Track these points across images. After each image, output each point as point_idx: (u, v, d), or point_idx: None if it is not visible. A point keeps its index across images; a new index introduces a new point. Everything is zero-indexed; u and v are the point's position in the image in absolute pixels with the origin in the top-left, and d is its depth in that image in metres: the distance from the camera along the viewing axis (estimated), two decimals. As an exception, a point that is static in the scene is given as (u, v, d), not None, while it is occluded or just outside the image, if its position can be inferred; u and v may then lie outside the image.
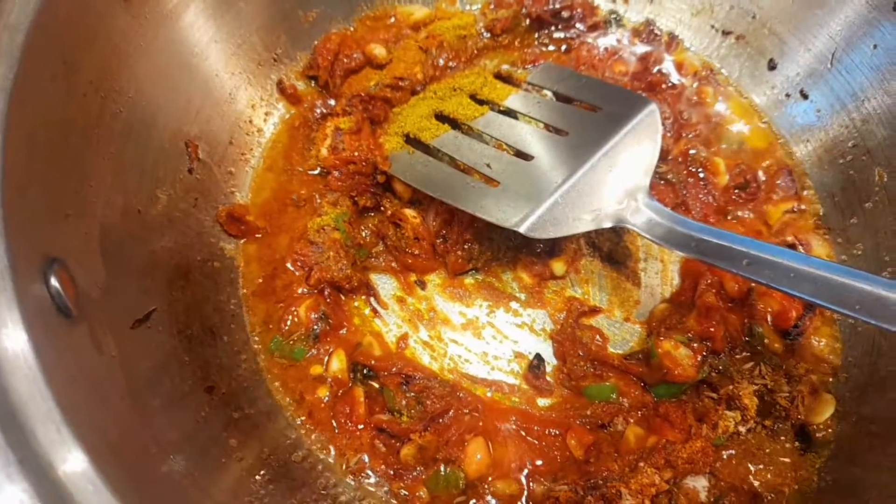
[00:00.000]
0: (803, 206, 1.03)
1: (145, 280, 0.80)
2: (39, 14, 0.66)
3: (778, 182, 1.04)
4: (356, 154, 0.98)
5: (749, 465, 0.85)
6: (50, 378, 0.54)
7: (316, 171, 1.03)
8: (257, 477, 0.77)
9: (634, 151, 0.91)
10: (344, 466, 0.85)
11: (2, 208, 0.58)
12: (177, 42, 0.88)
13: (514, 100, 1.02)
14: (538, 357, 0.93)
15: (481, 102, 1.03)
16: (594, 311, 0.97)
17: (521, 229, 0.85)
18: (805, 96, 1.07)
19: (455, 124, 1.01)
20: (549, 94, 1.05)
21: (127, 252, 0.78)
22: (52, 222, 0.66)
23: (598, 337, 0.94)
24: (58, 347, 0.58)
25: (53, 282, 0.61)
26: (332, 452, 0.85)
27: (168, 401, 0.74)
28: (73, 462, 0.51)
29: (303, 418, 0.87)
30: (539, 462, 0.86)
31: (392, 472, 0.85)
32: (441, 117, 1.02)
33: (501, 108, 1.02)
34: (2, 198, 0.58)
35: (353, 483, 0.84)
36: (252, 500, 0.73)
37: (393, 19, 1.13)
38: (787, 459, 0.85)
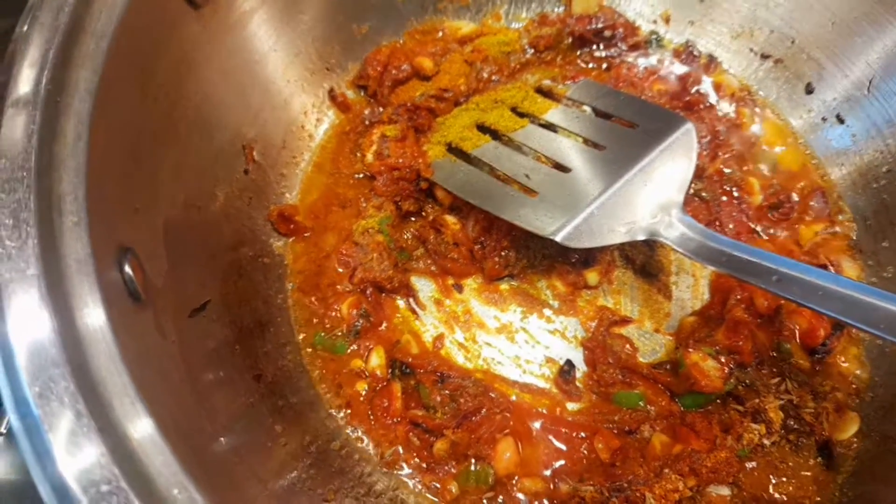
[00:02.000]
0: (836, 228, 1.05)
1: (202, 273, 0.85)
2: (122, 22, 0.72)
3: (811, 203, 1.06)
4: (401, 161, 1.02)
5: (772, 478, 0.87)
6: (124, 354, 0.59)
7: (361, 176, 1.08)
8: (299, 462, 0.81)
9: (670, 168, 0.94)
10: (379, 457, 0.89)
11: (85, 201, 0.63)
12: (240, 50, 0.94)
13: (553, 114, 1.06)
14: (569, 363, 0.96)
15: (522, 115, 1.07)
16: (625, 321, 1.00)
17: (558, 238, 0.88)
18: (841, 121, 1.09)
19: (496, 135, 1.05)
20: (588, 109, 1.08)
21: (187, 246, 0.83)
22: (124, 215, 0.72)
23: (627, 346, 0.97)
24: (129, 328, 0.63)
25: (127, 269, 0.67)
26: (369, 443, 0.90)
27: (220, 385, 0.79)
28: (144, 431, 0.56)
29: (342, 410, 0.92)
30: (566, 463, 0.89)
31: (425, 466, 0.89)
32: (483, 128, 1.06)
33: (541, 122, 1.06)
34: (85, 191, 0.63)
35: (387, 474, 0.88)
36: (294, 483, 0.78)
37: (441, 34, 1.18)
38: (809, 474, 0.87)
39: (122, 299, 0.65)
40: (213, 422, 0.73)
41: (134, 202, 0.74)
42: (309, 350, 0.95)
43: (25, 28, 0.68)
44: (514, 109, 1.08)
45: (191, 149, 0.86)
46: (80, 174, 0.64)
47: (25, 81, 0.65)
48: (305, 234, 1.02)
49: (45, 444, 0.52)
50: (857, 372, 0.95)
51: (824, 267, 1.01)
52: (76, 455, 0.52)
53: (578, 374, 0.96)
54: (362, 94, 1.15)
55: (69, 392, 0.54)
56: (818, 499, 0.86)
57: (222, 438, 0.72)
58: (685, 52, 1.18)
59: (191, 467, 0.58)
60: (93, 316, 0.59)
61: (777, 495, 0.86)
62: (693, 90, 1.15)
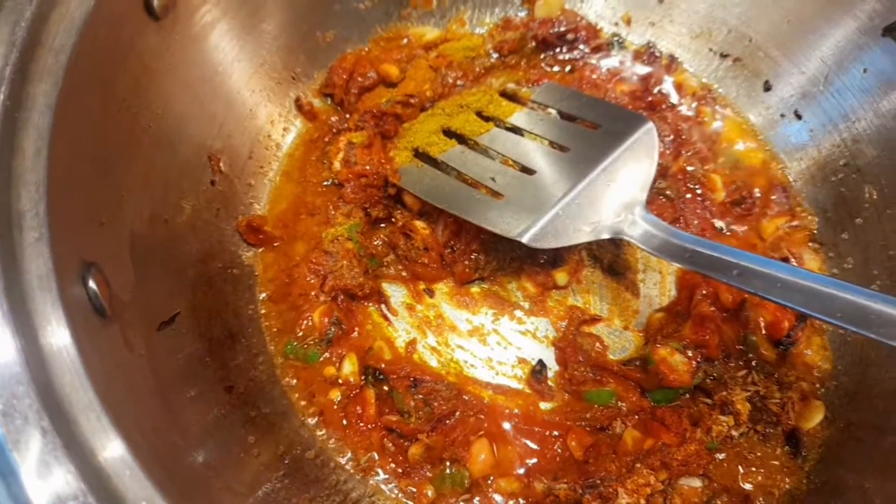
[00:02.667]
0: (796, 222, 1.07)
1: (171, 285, 0.85)
2: (81, 36, 0.71)
3: (772, 198, 1.09)
4: (367, 167, 1.03)
5: (741, 468, 0.89)
6: (90, 372, 0.58)
7: (329, 183, 1.08)
8: (273, 473, 0.81)
9: (632, 167, 0.96)
10: (355, 465, 0.89)
11: (46, 216, 0.62)
12: (202, 61, 0.94)
13: (518, 117, 1.07)
14: (541, 363, 0.97)
15: (487, 119, 1.08)
16: (595, 319, 1.01)
17: (524, 239, 0.90)
18: (799, 116, 1.11)
19: (462, 140, 1.06)
20: (553, 111, 1.09)
21: (154, 258, 0.83)
22: (89, 229, 0.71)
23: (598, 344, 0.98)
24: (95, 344, 0.63)
25: (91, 284, 0.66)
26: (344, 451, 0.90)
27: (191, 398, 0.78)
28: (112, 449, 0.55)
29: (316, 418, 0.92)
30: (540, 462, 0.90)
31: (401, 471, 0.89)
32: (449, 133, 1.07)
33: (506, 125, 1.07)
34: (46, 206, 0.63)
35: (363, 480, 0.88)
36: (269, 493, 0.78)
37: (406, 40, 1.18)
38: (777, 462, 0.89)
39: (87, 315, 0.65)
40: (184, 435, 0.72)
41: (99, 216, 0.74)
42: (281, 360, 0.95)
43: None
44: (479, 114, 1.09)
45: (155, 161, 0.86)
46: (41, 189, 0.63)
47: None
48: (275, 244, 1.02)
49: (11, 463, 0.52)
50: (821, 362, 0.97)
51: (786, 260, 1.03)
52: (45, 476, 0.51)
53: (550, 374, 0.97)
54: (329, 102, 1.15)
55: (34, 410, 0.54)
56: (786, 486, 0.88)
57: (194, 452, 0.72)
58: (646, 53, 1.20)
59: (162, 483, 0.58)
60: (56, 334, 0.59)
61: (747, 485, 0.88)
62: (655, 90, 1.17)
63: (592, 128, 1.02)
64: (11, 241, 0.60)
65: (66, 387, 0.57)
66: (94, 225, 0.73)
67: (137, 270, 0.78)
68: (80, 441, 0.55)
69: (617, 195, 0.94)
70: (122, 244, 0.77)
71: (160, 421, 0.69)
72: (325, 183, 1.08)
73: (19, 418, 0.53)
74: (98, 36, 0.74)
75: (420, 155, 1.05)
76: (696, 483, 0.87)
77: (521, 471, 0.90)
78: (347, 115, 1.13)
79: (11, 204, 0.61)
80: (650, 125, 0.98)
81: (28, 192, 0.62)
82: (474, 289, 1.03)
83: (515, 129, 1.06)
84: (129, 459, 0.56)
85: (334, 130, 1.11)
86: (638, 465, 0.86)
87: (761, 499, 0.87)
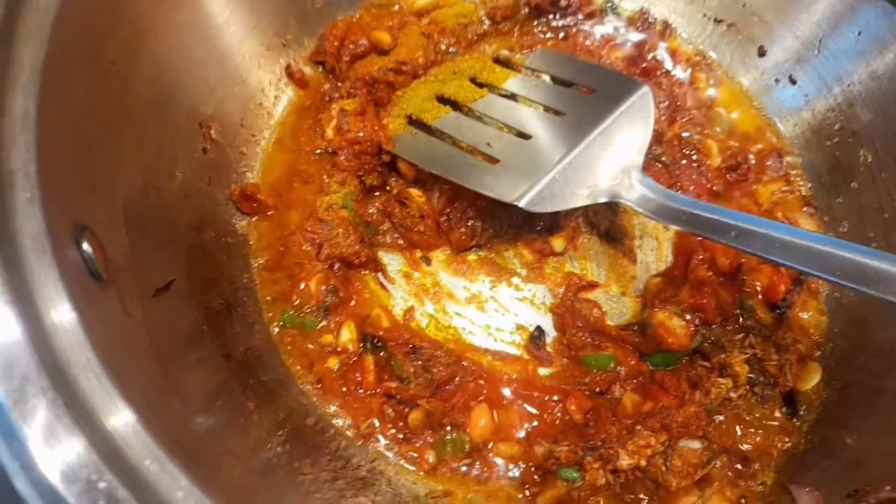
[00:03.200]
0: (791, 187, 1.08)
1: (165, 252, 0.83)
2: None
3: (767, 163, 1.09)
4: (361, 134, 1.01)
5: (739, 429, 0.90)
6: (90, 336, 0.57)
7: (321, 151, 1.06)
8: (273, 438, 0.81)
9: (628, 131, 0.95)
10: (355, 431, 0.89)
11: (38, 177, 0.61)
12: (192, 24, 0.92)
13: (512, 83, 1.06)
14: (539, 329, 0.97)
15: (481, 85, 1.07)
16: (592, 285, 1.01)
17: (522, 203, 0.89)
18: (793, 81, 1.11)
19: (456, 106, 1.05)
20: (547, 77, 1.08)
21: (148, 226, 0.81)
22: (81, 193, 0.69)
23: (595, 310, 0.98)
24: (94, 308, 0.62)
25: (86, 246, 0.65)
26: (344, 418, 0.89)
27: (191, 365, 0.78)
28: (119, 416, 0.55)
29: (314, 386, 0.91)
30: (540, 426, 0.90)
31: (401, 437, 0.89)
32: (442, 100, 1.06)
33: (501, 91, 1.06)
34: (37, 167, 0.61)
35: (363, 447, 0.88)
36: (271, 459, 0.78)
37: (397, 7, 1.16)
38: (775, 423, 0.90)
39: (83, 278, 0.63)
40: (185, 401, 0.72)
41: (91, 180, 0.72)
42: (277, 328, 0.94)
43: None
44: (473, 80, 1.08)
45: (147, 127, 0.84)
46: (31, 150, 0.61)
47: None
48: (269, 213, 1.01)
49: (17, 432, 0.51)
50: (817, 324, 0.98)
51: (782, 224, 1.03)
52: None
53: (549, 340, 0.97)
54: (320, 69, 1.13)
55: (37, 378, 0.53)
56: (784, 447, 0.89)
57: (196, 417, 0.72)
58: (640, 20, 1.19)
59: (168, 446, 0.57)
60: (55, 299, 0.57)
61: (745, 445, 0.89)
62: (649, 56, 1.17)
63: (588, 93, 1.01)
64: (3, 201, 0.58)
65: (69, 353, 0.56)
66: (87, 189, 0.71)
67: (131, 237, 0.76)
68: (87, 408, 0.54)
69: (614, 159, 0.94)
70: (114, 210, 0.75)
71: (161, 387, 0.69)
72: (318, 151, 1.06)
73: (24, 387, 0.52)
74: (85, -4, 0.72)
75: (414, 122, 1.04)
76: (696, 444, 0.87)
77: (522, 435, 0.90)
78: (339, 83, 1.11)
79: (2, 164, 0.59)
80: (646, 89, 0.97)
81: (18, 153, 0.61)
82: (471, 256, 1.03)
83: (510, 95, 1.05)
84: (135, 425, 0.55)
85: (326, 98, 1.09)
86: (638, 428, 0.86)
87: (759, 459, 0.87)
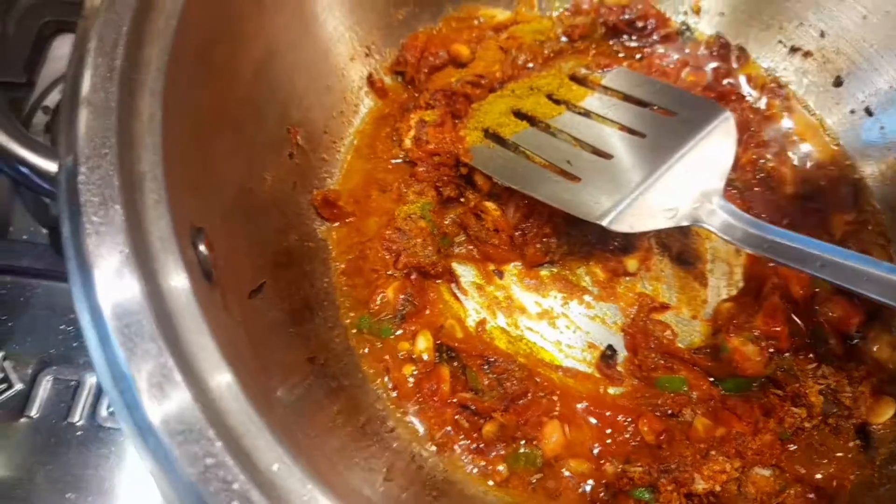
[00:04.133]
0: (865, 218, 1.07)
1: (256, 255, 0.85)
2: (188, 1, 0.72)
3: (842, 194, 1.09)
4: (440, 146, 1.03)
5: (812, 459, 0.90)
6: (208, 319, 0.59)
7: (399, 160, 1.08)
8: (358, 442, 0.82)
9: (710, 156, 0.96)
10: (430, 439, 0.90)
11: (164, 179, 0.63)
12: (290, 28, 0.94)
13: (590, 101, 1.07)
14: (611, 347, 0.98)
15: (558, 102, 1.08)
16: (664, 307, 1.01)
17: (605, 222, 0.90)
18: (870, 113, 1.11)
19: (533, 122, 1.06)
20: (624, 98, 1.09)
21: (241, 228, 0.84)
22: (192, 195, 0.71)
23: (667, 332, 0.98)
24: (205, 306, 0.63)
25: (201, 247, 0.67)
26: (420, 425, 0.91)
27: (281, 367, 0.79)
28: (221, 378, 0.56)
29: (391, 392, 0.92)
30: (612, 445, 0.91)
31: (474, 448, 0.90)
32: (519, 115, 1.07)
33: (578, 109, 1.07)
34: (163, 169, 0.63)
35: (437, 455, 0.89)
36: (356, 461, 0.79)
37: (477, 21, 1.18)
38: (848, 455, 0.90)
39: (199, 278, 0.65)
40: (278, 399, 0.73)
41: (197, 182, 0.74)
42: (355, 333, 0.95)
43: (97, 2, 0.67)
44: (549, 96, 1.09)
45: (243, 129, 0.86)
46: (157, 152, 0.63)
47: (101, 56, 0.64)
48: (348, 220, 1.02)
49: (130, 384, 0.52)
50: (889, 357, 0.97)
51: (854, 257, 1.03)
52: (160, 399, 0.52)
53: (620, 359, 0.98)
54: (400, 80, 1.15)
55: (152, 338, 0.54)
56: (857, 479, 0.88)
57: (289, 415, 0.73)
58: (716, 44, 1.20)
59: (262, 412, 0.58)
60: (177, 281, 0.59)
61: (817, 476, 0.89)
62: (724, 81, 1.17)
63: (667, 115, 1.02)
64: (135, 204, 0.60)
65: (184, 322, 0.57)
66: (195, 190, 0.73)
67: (229, 239, 0.78)
68: (197, 372, 0.55)
69: (695, 183, 0.94)
70: (216, 211, 0.77)
71: (258, 383, 0.70)
72: (395, 160, 1.08)
73: (141, 344, 0.53)
74: (201, 1, 0.75)
75: (491, 135, 1.05)
76: (767, 472, 0.88)
77: (594, 452, 0.90)
78: (417, 94, 1.13)
79: (133, 166, 0.62)
80: (728, 114, 0.98)
81: (147, 155, 0.63)
82: (543, 272, 1.04)
83: (588, 114, 1.06)
84: (235, 388, 0.56)
85: (405, 108, 1.11)
86: (713, 453, 0.86)
87: (832, 490, 0.87)
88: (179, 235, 0.62)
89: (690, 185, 0.94)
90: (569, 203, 0.93)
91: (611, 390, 0.96)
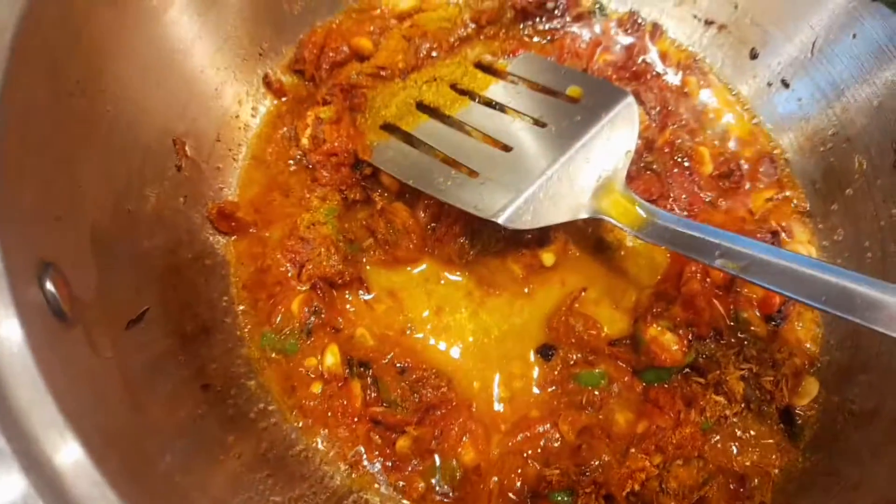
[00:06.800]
0: (786, 193, 1.05)
1: (138, 280, 0.80)
2: (26, 13, 0.66)
3: (760, 170, 1.06)
4: (337, 144, 0.98)
5: (735, 448, 0.88)
6: (47, 378, 0.54)
7: (296, 160, 1.02)
8: (255, 473, 0.77)
9: (612, 144, 0.93)
10: (342, 460, 0.86)
11: (-7, 216, 0.57)
12: (160, 39, 0.87)
13: (494, 90, 1.03)
14: (548, 346, 0.94)
15: (462, 92, 1.03)
16: (583, 300, 0.98)
17: (500, 220, 0.86)
18: (786, 85, 1.08)
19: (435, 114, 1.01)
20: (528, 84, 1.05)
21: (118, 252, 0.78)
22: (44, 225, 0.66)
23: (588, 324, 0.95)
24: (54, 349, 0.58)
25: (48, 285, 0.61)
26: (329, 446, 0.86)
27: (164, 399, 0.74)
28: (68, 454, 0.51)
29: (298, 413, 0.88)
30: (532, 449, 0.88)
31: (389, 464, 0.86)
32: (421, 107, 1.02)
33: (482, 99, 1.02)
34: (-6, 207, 0.58)
35: (350, 475, 0.85)
36: (251, 496, 0.74)
37: (378, 10, 1.13)
38: (772, 441, 0.88)
39: (45, 319, 0.60)
40: (157, 439, 0.68)
41: (55, 210, 0.68)
42: (258, 353, 0.91)
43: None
44: (453, 86, 1.04)
45: (115, 148, 0.80)
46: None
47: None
48: (250, 230, 0.97)
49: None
50: (813, 336, 0.96)
51: (776, 233, 1.01)
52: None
53: (546, 357, 0.94)
54: (299, 78, 1.09)
55: None
56: (782, 465, 0.87)
57: (168, 456, 0.68)
58: (629, 22, 1.16)
59: (128, 491, 0.54)
60: (11, 338, 0.54)
61: (743, 465, 0.87)
62: (639, 60, 1.14)
63: (571, 101, 0.98)
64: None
65: (22, 394, 0.53)
66: (50, 220, 0.67)
67: (100, 266, 0.73)
68: (36, 447, 0.50)
69: (595, 172, 0.91)
70: (82, 239, 0.72)
71: (128, 425, 0.65)
72: (293, 160, 1.02)
73: None
74: (45, 13, 0.68)
75: (392, 129, 1.00)
76: (691, 465, 0.85)
77: (513, 459, 0.87)
78: (316, 90, 1.07)
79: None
80: (630, 99, 0.94)
81: (-27, 187, 0.57)
82: (459, 272, 0.99)
83: (491, 103, 1.01)
84: (87, 465, 0.51)
85: (302, 104, 1.05)
86: (632, 450, 0.84)
87: (757, 479, 0.85)
88: (15, 274, 0.57)
89: (591, 174, 0.92)
90: (467, 201, 0.90)
91: (533, 390, 0.93)
